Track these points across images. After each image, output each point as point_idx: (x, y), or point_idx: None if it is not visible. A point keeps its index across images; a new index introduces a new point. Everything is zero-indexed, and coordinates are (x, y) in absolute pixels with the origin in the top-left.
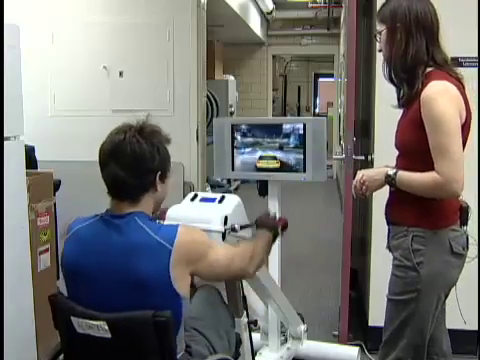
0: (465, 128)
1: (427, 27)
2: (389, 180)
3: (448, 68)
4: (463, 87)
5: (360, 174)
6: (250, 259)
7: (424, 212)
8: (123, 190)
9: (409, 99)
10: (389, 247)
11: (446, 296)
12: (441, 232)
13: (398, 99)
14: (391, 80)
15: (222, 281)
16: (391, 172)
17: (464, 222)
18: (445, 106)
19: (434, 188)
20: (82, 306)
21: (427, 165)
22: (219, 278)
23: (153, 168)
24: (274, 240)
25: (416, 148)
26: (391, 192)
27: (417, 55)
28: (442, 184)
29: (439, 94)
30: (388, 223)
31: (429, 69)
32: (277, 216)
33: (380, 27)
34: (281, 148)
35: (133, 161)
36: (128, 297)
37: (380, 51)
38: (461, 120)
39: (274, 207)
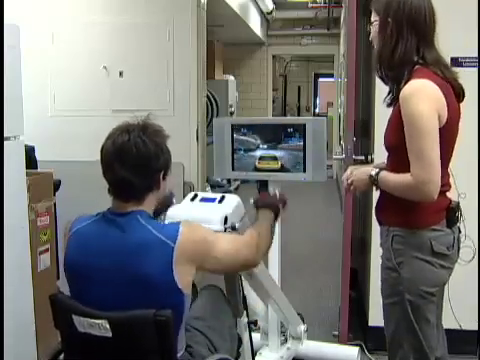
0: (448, 129)
1: (420, 25)
2: (372, 180)
3: (437, 67)
4: (453, 87)
5: (349, 170)
6: (256, 247)
7: (404, 211)
8: (129, 191)
9: (394, 97)
10: None
11: (433, 295)
12: (421, 232)
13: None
14: (380, 77)
15: (229, 273)
16: (373, 173)
17: (452, 222)
18: (421, 105)
19: (407, 190)
20: (84, 305)
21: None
22: (226, 270)
23: (158, 167)
24: (276, 219)
25: (400, 148)
26: (380, 191)
27: (405, 55)
28: (415, 186)
29: (416, 92)
30: (378, 223)
31: (416, 67)
32: (277, 194)
33: (374, 17)
34: (281, 148)
35: (139, 162)
36: (131, 295)
37: (371, 40)
38: (441, 121)
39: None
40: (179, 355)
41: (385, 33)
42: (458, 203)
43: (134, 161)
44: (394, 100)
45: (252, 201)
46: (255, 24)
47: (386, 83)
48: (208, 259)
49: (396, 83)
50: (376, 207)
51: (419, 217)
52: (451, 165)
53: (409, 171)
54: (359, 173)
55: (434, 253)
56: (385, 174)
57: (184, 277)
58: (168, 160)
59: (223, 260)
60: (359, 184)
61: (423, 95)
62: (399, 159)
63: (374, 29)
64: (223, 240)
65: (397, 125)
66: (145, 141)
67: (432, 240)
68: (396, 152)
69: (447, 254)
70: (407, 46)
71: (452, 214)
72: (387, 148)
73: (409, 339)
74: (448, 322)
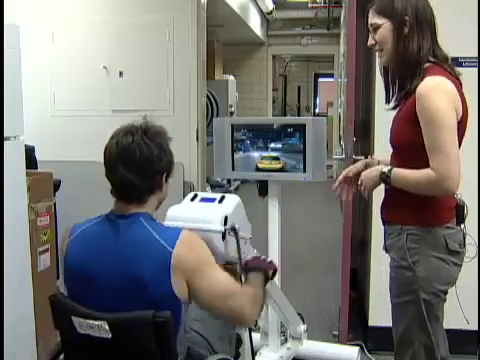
0: (461, 125)
1: (432, 24)
2: (384, 177)
3: (447, 64)
4: (461, 85)
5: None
6: (252, 303)
7: (418, 210)
8: (131, 192)
9: (405, 95)
10: (385, 247)
11: (446, 293)
12: (436, 229)
13: (387, 97)
14: (392, 79)
15: (217, 315)
16: (386, 169)
17: (461, 220)
18: (439, 101)
19: (428, 185)
20: (84, 306)
21: (422, 162)
22: (214, 304)
23: (161, 169)
24: (265, 284)
25: (411, 144)
26: (386, 191)
27: (424, 52)
28: (436, 181)
29: (434, 89)
30: (383, 223)
31: (427, 64)
32: (267, 259)
33: (380, 20)
34: (281, 148)
35: (142, 164)
36: (129, 297)
37: (372, 46)
38: (457, 116)
39: (274, 207)
40: (179, 359)
41: (402, 33)
42: (463, 201)
43: (137, 163)
44: (402, 100)
45: (243, 265)
46: (255, 24)
47: (400, 85)
48: (199, 277)
49: (409, 82)
50: (383, 206)
51: (435, 215)
52: None
53: (418, 167)
54: (367, 172)
55: (449, 251)
56: (400, 170)
57: (180, 285)
58: (170, 162)
59: (215, 288)
60: (367, 183)
61: (441, 91)
62: (407, 156)
63: (382, 32)
64: (220, 271)
65: (408, 122)
66: (148, 143)
67: (447, 238)
68: (405, 149)
69: (459, 251)
70: (425, 43)
71: (461, 211)
72: (395, 146)
73: (421, 337)
74: (448, 321)
